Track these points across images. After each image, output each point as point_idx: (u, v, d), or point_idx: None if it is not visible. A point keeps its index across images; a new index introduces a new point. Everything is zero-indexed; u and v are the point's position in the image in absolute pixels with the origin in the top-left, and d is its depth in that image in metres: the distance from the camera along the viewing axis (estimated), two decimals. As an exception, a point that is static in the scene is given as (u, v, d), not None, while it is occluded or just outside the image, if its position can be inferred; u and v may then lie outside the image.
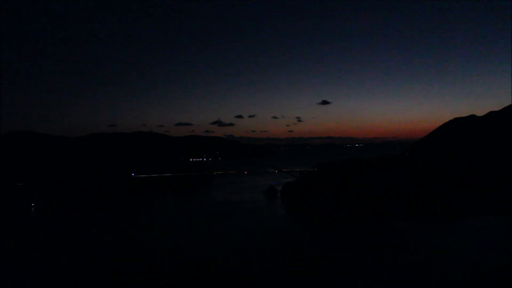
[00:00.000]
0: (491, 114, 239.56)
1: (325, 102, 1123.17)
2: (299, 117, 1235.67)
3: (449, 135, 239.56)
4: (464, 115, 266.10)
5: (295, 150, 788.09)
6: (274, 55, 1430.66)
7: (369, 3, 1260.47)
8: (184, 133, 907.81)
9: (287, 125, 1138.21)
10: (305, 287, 58.62)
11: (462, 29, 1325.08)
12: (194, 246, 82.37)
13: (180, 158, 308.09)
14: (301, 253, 76.29)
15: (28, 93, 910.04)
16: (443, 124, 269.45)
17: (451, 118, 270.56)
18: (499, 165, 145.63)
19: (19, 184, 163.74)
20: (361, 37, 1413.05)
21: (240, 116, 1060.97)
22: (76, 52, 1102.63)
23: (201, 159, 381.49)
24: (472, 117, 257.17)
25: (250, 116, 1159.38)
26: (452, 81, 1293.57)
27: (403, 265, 67.08)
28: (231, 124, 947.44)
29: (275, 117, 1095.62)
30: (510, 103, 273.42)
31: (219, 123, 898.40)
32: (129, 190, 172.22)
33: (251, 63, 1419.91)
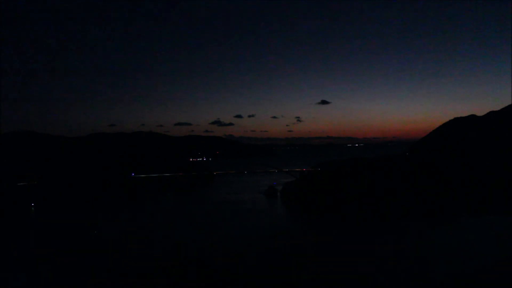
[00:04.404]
0: (491, 114, 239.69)
1: (324, 102, 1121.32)
2: (298, 117, 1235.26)
3: (449, 135, 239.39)
4: (464, 115, 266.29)
5: (295, 150, 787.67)
6: (273, 55, 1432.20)
7: (369, 3, 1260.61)
8: (184, 133, 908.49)
9: (287, 125, 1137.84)
10: (305, 286, 58.63)
11: (462, 29, 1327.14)
12: (194, 246, 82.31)
13: (180, 158, 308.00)
14: (301, 252, 76.27)
15: (28, 93, 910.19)
16: (443, 124, 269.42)
17: (451, 118, 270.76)
18: (499, 165, 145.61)
19: (19, 184, 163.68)
20: (360, 37, 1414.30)
21: (239, 116, 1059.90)
22: (76, 52, 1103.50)
23: (201, 159, 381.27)
24: (472, 117, 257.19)
25: (249, 116, 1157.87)
26: (452, 81, 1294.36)
27: (403, 264, 67.12)
28: (230, 124, 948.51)
29: (274, 117, 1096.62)
30: (510, 103, 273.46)
31: (218, 123, 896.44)
32: (129, 190, 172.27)
33: (250, 63, 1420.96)
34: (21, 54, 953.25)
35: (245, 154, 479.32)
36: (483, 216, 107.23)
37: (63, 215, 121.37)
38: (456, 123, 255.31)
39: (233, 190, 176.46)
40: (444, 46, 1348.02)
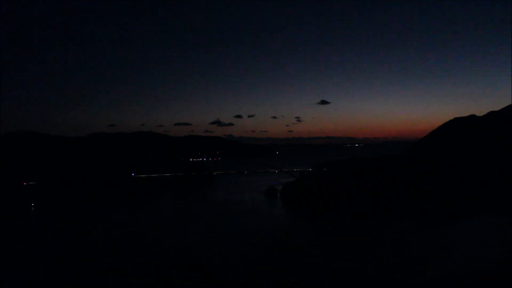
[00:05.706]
0: (491, 114, 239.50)
1: (324, 102, 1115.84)
2: (298, 117, 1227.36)
3: (449, 135, 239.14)
4: (464, 115, 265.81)
5: (295, 150, 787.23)
6: (273, 55, 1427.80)
7: (368, 3, 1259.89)
8: (184, 133, 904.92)
9: (287, 125, 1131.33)
10: (305, 286, 58.65)
11: (462, 29, 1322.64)
12: (194, 246, 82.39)
13: (180, 158, 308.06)
14: (301, 252, 76.31)
15: (28, 93, 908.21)
16: (443, 124, 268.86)
17: (451, 118, 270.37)
18: (499, 165, 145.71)
19: (19, 184, 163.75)
20: (360, 37, 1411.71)
21: (239, 116, 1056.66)
22: (76, 52, 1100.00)
23: (201, 159, 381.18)
24: (472, 117, 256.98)
25: (249, 116, 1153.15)
26: (452, 81, 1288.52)
27: (402, 264, 67.14)
28: (230, 124, 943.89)
29: (274, 117, 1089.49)
30: (510, 103, 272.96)
31: (218, 123, 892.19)
32: (129, 190, 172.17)
33: (250, 63, 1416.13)
34: (21, 54, 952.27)
35: (245, 154, 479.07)
36: (483, 216, 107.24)
37: (63, 215, 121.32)
38: (456, 123, 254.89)
39: (233, 190, 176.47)
40: (444, 46, 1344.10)
